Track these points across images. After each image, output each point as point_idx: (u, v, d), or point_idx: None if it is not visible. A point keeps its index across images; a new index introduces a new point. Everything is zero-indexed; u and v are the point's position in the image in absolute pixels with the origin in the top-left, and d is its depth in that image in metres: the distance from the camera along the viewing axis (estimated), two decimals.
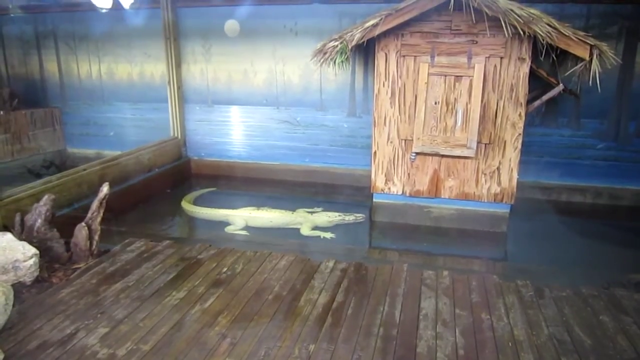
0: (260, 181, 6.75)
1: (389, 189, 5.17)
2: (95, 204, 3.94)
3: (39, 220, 3.84)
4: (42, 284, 3.50)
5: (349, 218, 5.25)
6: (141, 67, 7.03)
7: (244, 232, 5.05)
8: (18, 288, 3.38)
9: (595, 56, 4.24)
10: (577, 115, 5.76)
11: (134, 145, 6.38)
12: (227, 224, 5.21)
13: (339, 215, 5.25)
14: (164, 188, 6.38)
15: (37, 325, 3.02)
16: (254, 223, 5.18)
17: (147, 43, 6.87)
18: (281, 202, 5.84)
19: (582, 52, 4.27)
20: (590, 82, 4.28)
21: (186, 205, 5.59)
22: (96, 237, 3.91)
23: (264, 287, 3.48)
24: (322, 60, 4.78)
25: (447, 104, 4.76)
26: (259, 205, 5.51)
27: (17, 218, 3.88)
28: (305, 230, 5.05)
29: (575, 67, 4.42)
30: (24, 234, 3.83)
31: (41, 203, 3.89)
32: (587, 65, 4.31)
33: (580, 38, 4.24)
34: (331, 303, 3.28)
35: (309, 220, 5.18)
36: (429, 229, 5.14)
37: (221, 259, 3.89)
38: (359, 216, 5.30)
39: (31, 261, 3.47)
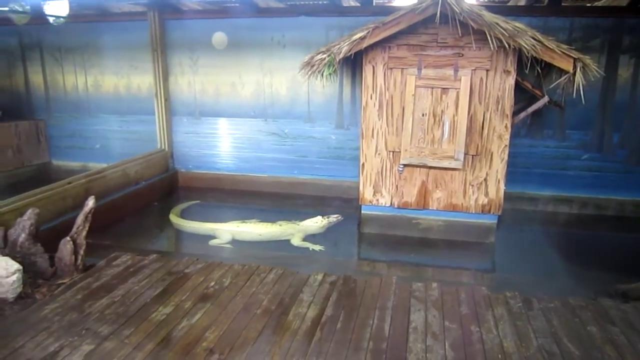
0: (248, 193, 6.72)
1: (377, 200, 5.17)
2: (80, 218, 3.88)
3: (23, 235, 3.77)
4: (25, 300, 3.42)
5: (332, 220, 5.34)
6: (128, 79, 6.99)
7: (228, 246, 5.01)
8: (0, 305, 3.30)
9: (578, 69, 4.31)
10: (562, 126, 5.83)
11: (121, 157, 6.33)
12: (214, 237, 5.16)
13: (324, 218, 5.30)
14: (151, 201, 6.32)
15: (19, 343, 2.95)
16: (241, 237, 5.13)
17: (134, 55, 6.84)
18: (269, 214, 5.81)
19: (566, 64, 4.33)
20: (574, 94, 4.33)
21: (174, 218, 5.54)
22: (81, 252, 3.84)
23: (253, 301, 3.45)
24: (309, 73, 4.80)
25: (434, 116, 4.79)
26: (246, 217, 5.48)
27: (0, 233, 3.80)
28: (296, 241, 5.03)
29: (560, 80, 4.48)
30: (7, 248, 3.76)
31: (25, 217, 3.82)
32: (571, 78, 4.38)
33: (564, 51, 4.30)
34: (320, 317, 3.25)
35: (300, 231, 5.17)
36: (417, 241, 5.15)
37: (209, 273, 3.85)
38: (338, 216, 5.40)
39: (14, 277, 3.40)
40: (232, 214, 5.79)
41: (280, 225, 5.21)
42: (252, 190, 6.75)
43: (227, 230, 5.15)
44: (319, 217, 5.32)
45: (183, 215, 5.72)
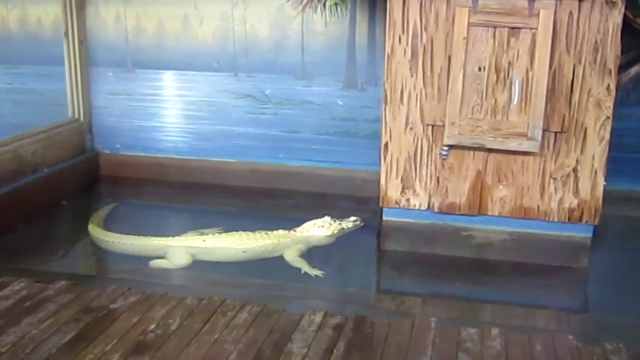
0: (208, 188, 6.72)
1: (408, 201, 5.17)
2: None
3: None
4: None
5: (348, 225, 5.37)
6: (22, 9, 6.95)
7: (174, 267, 5.01)
8: None
9: None
10: None
11: (10, 131, 6.29)
12: (155, 257, 5.12)
13: (335, 222, 5.33)
14: (57, 198, 6.30)
15: None
16: (211, 256, 5.10)
17: None
18: (239, 221, 5.79)
19: None
20: None
21: (95, 230, 5.48)
22: None
23: (214, 354, 3.45)
24: (305, 2, 4.77)
25: (498, 71, 4.76)
26: (200, 226, 5.50)
27: None
28: (292, 255, 5.06)
29: None
30: None
31: None
32: None
33: None
34: None
35: (298, 241, 5.21)
36: (468, 263, 5.16)
37: (147, 310, 3.85)
38: (357, 220, 5.43)
39: None
40: (181, 221, 5.77)
41: (267, 235, 5.20)
42: (213, 184, 6.74)
43: (185, 248, 5.12)
44: (327, 219, 5.35)
45: (108, 224, 5.69)
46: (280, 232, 5.26)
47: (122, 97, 6.90)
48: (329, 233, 5.28)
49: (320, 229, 5.29)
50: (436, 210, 5.14)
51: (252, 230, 5.26)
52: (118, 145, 7.03)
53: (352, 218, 5.42)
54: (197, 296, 4.03)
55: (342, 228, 5.33)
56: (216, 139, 6.79)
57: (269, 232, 5.23)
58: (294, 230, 5.29)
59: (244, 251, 5.08)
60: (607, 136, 4.81)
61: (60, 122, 6.73)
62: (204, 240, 5.15)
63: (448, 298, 4.73)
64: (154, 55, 6.75)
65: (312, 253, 5.20)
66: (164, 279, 4.85)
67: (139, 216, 6.05)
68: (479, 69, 4.79)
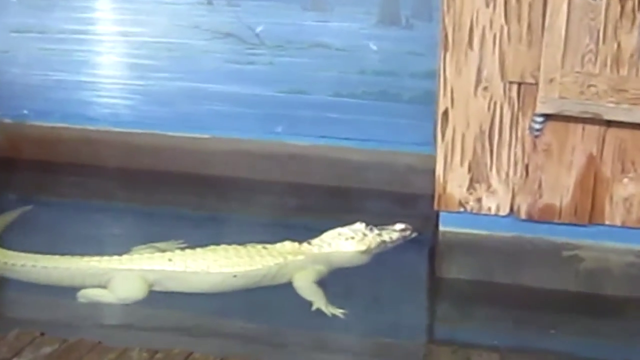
0: (165, 178, 6.74)
1: (479, 202, 5.12)
2: None
3: None
4: None
5: (392, 236, 5.40)
6: None
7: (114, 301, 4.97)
8: None
9: None
10: None
11: None
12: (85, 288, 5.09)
13: (373, 233, 5.35)
14: None
15: None
16: (180, 284, 5.09)
17: None
18: (217, 230, 5.80)
19: None
20: None
21: None
22: None
23: None
24: None
25: (622, 2, 4.72)
26: (152, 238, 5.53)
27: None
28: (304, 281, 5.05)
29: None
30: None
31: None
32: None
33: None
34: None
35: (316, 260, 5.21)
36: (572, 300, 5.13)
37: None
38: (405, 228, 5.48)
39: None
40: (123, 230, 5.79)
41: (266, 250, 5.17)
42: (173, 171, 6.77)
43: (139, 273, 5.09)
44: (359, 227, 5.35)
45: (10, 238, 5.68)
46: (288, 245, 5.25)
47: (31, 37, 6.90)
48: (363, 248, 5.25)
49: (349, 241, 5.26)
50: (523, 216, 5.09)
51: (241, 243, 5.23)
52: (25, 112, 7.05)
53: (398, 226, 5.42)
54: (148, 347, 4.00)
55: (383, 241, 5.31)
56: (179, 102, 6.78)
57: (269, 247, 5.21)
58: (309, 243, 5.27)
59: (235, 275, 5.03)
60: None
61: None
62: (169, 260, 5.10)
63: (539, 353, 4.69)
64: None
65: (329, 280, 5.16)
66: (97, 321, 4.83)
67: (58, 224, 6.03)
68: None
